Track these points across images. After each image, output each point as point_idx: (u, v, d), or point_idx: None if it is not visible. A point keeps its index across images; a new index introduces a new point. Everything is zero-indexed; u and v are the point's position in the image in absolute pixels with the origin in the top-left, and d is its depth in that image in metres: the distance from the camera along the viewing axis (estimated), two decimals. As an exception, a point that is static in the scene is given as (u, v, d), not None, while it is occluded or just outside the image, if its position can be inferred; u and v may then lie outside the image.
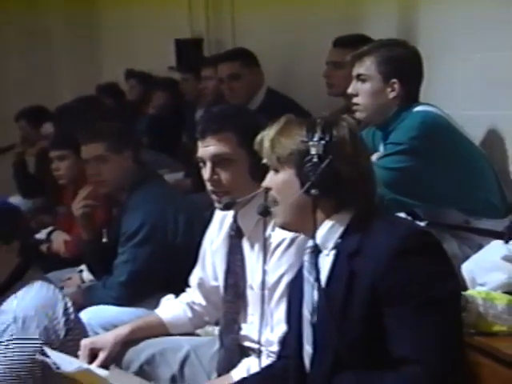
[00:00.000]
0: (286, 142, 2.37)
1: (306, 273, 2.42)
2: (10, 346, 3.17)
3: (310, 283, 2.40)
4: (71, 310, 3.35)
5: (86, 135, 4.27)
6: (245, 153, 2.87)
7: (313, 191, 2.32)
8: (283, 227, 2.48)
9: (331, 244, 2.36)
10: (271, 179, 2.43)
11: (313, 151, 2.32)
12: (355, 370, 2.23)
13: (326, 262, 2.36)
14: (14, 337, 3.17)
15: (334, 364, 2.27)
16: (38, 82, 8.91)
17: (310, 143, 2.33)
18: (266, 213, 2.49)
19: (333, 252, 2.35)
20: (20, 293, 3.26)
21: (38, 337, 3.17)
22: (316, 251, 2.38)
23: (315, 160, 2.31)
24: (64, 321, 3.27)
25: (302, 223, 2.41)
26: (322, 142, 2.32)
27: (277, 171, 2.41)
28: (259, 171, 2.60)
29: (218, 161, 2.93)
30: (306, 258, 2.42)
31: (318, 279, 2.36)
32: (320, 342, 2.35)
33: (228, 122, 2.95)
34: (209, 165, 2.95)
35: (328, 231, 2.36)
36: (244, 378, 2.71)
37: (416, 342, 2.15)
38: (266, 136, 2.43)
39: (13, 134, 7.37)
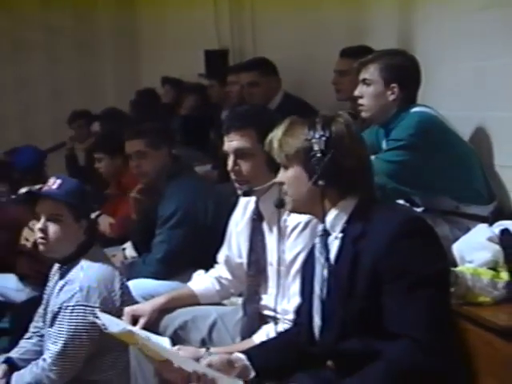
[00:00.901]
0: (292, 142, 2.38)
1: (317, 253, 2.42)
2: (75, 311, 3.21)
3: (320, 263, 2.40)
4: (125, 285, 3.39)
5: (128, 133, 4.30)
6: (263, 147, 2.88)
7: (320, 182, 2.33)
8: (295, 212, 2.50)
9: (339, 228, 2.36)
10: (282, 175, 2.45)
11: (316, 147, 2.32)
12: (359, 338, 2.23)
13: (334, 244, 2.36)
14: (79, 303, 3.21)
15: (340, 333, 2.28)
16: (87, 88, 8.93)
17: (313, 140, 2.33)
18: (280, 205, 2.51)
19: (340, 235, 2.35)
20: (85, 266, 3.29)
21: (98, 305, 3.21)
22: (325, 235, 2.39)
23: (319, 155, 2.32)
24: (120, 294, 3.30)
25: (312, 211, 2.42)
26: (323, 138, 2.32)
27: (286, 168, 2.42)
28: (275, 164, 2.61)
29: (239, 154, 2.95)
30: (317, 240, 2.42)
31: (327, 259, 2.36)
32: (328, 314, 2.35)
33: (249, 121, 2.97)
34: (231, 157, 2.97)
35: (335, 217, 2.37)
36: (263, 342, 2.73)
37: (406, 318, 2.15)
38: (275, 137, 2.44)
39: (65, 133, 7.43)
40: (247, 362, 2.47)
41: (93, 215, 4.81)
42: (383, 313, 2.19)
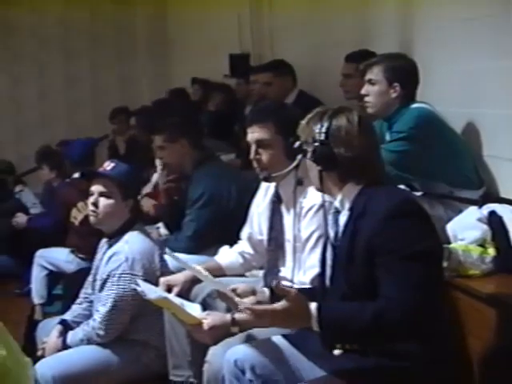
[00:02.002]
0: (308, 131, 2.38)
1: (329, 228, 2.43)
2: (122, 278, 3.24)
3: (331, 237, 2.41)
4: (163, 258, 3.41)
5: (151, 129, 4.35)
6: (281, 138, 2.88)
7: (318, 168, 2.34)
8: (317, 190, 2.48)
9: (346, 207, 2.36)
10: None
11: (316, 137, 2.33)
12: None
13: (342, 221, 2.37)
14: (125, 272, 3.24)
15: (343, 295, 2.29)
16: (125, 87, 8.96)
17: (316, 131, 2.34)
18: (300, 183, 2.53)
19: (347, 213, 2.35)
20: (130, 240, 3.33)
21: (141, 274, 3.23)
22: (336, 212, 2.39)
23: (317, 144, 2.33)
24: (159, 265, 3.33)
25: (326, 190, 2.42)
26: (323, 129, 2.32)
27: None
28: (292, 153, 2.62)
29: (260, 144, 2.96)
30: (330, 217, 2.43)
31: (336, 234, 2.37)
32: (334, 280, 2.37)
33: (269, 115, 2.97)
34: (253, 147, 2.98)
35: (342, 198, 2.36)
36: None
37: (394, 284, 2.14)
38: (301, 125, 2.44)
39: (107, 127, 7.47)
40: (268, 296, 2.53)
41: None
42: (376, 283, 2.19)
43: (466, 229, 2.89)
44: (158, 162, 4.90)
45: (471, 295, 2.61)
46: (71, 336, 3.34)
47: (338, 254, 2.34)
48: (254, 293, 2.53)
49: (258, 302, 2.50)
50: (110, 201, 3.33)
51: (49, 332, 3.49)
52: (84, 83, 9.02)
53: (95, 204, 3.34)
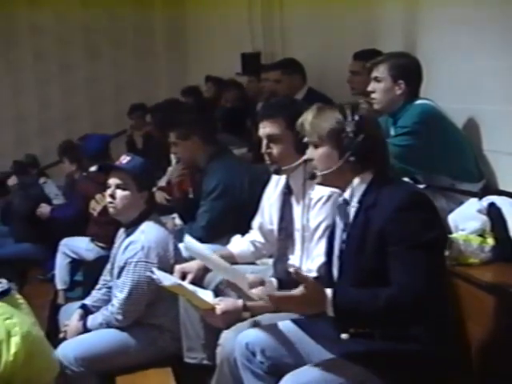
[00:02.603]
0: (324, 124, 2.33)
1: (337, 219, 2.41)
2: (138, 266, 3.26)
3: (340, 227, 2.39)
4: (178, 246, 3.41)
5: (164, 126, 4.36)
6: (291, 133, 2.85)
7: (351, 159, 2.29)
8: (322, 184, 2.44)
9: (356, 199, 2.33)
10: (312, 152, 2.39)
11: (348, 129, 2.29)
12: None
13: (351, 212, 2.35)
14: (141, 260, 3.25)
15: (352, 283, 2.27)
16: (143, 85, 8.98)
17: (346, 122, 2.30)
18: (312, 178, 2.44)
19: (356, 205, 2.33)
20: (145, 230, 3.34)
21: (156, 262, 3.24)
22: (345, 204, 2.37)
23: (351, 135, 2.29)
24: (173, 254, 3.34)
25: (337, 184, 2.39)
26: (354, 120, 2.29)
27: (317, 146, 2.37)
28: (301, 147, 2.60)
29: (270, 138, 2.94)
30: (339, 208, 2.41)
31: (345, 224, 2.35)
32: (343, 269, 2.34)
33: (279, 111, 2.95)
34: (264, 141, 2.96)
35: (354, 189, 2.33)
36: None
37: (405, 271, 2.13)
38: (305, 120, 2.39)
39: (126, 123, 7.48)
40: (276, 286, 2.51)
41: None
42: (387, 270, 2.18)
43: (466, 219, 2.88)
44: (172, 157, 4.91)
45: (471, 283, 2.60)
46: (91, 320, 3.36)
47: (348, 243, 2.32)
48: (262, 283, 2.50)
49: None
50: (126, 192, 3.34)
51: (70, 316, 3.52)
52: (105, 81, 9.10)
53: (112, 196, 3.35)
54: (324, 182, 2.42)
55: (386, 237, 2.18)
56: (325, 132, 2.33)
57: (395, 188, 2.29)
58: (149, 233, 3.31)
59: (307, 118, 2.39)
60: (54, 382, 2.88)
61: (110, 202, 3.36)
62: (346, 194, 2.36)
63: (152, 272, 2.93)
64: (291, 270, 2.20)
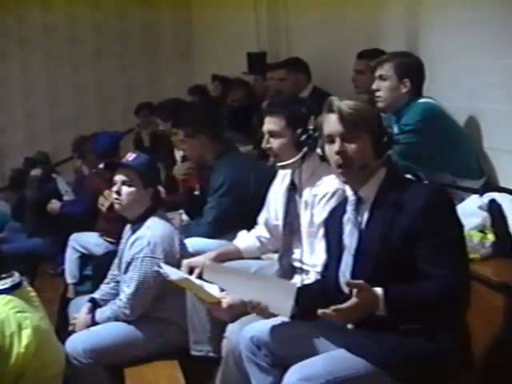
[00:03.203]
0: (361, 121, 2.26)
1: (350, 216, 2.36)
2: (144, 261, 3.25)
3: (353, 224, 2.33)
4: (183, 241, 3.41)
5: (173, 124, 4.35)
6: (291, 130, 2.87)
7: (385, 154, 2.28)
8: (347, 180, 2.34)
9: (371, 196, 2.30)
10: (347, 147, 2.26)
11: (385, 124, 2.28)
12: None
13: (365, 209, 2.31)
14: (147, 255, 3.24)
15: (373, 281, 2.18)
16: (151, 84, 8.97)
17: (382, 119, 2.28)
18: (351, 168, 2.28)
19: (372, 203, 2.30)
20: (151, 225, 3.33)
21: (162, 257, 3.24)
22: (359, 202, 2.33)
23: (390, 131, 2.28)
24: (179, 249, 3.33)
25: (359, 178, 2.32)
26: (382, 116, 2.28)
27: (354, 139, 2.26)
28: (299, 144, 2.60)
29: (271, 134, 2.96)
30: (351, 206, 2.36)
31: (360, 223, 2.32)
32: (360, 267, 2.29)
33: (280, 108, 2.97)
34: (265, 137, 2.98)
35: (370, 186, 2.31)
36: (303, 285, 2.64)
37: (445, 264, 2.13)
38: (343, 110, 2.26)
39: (134, 121, 7.48)
40: None
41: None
42: (417, 263, 2.17)
43: (467, 216, 2.86)
44: (177, 154, 4.90)
45: (472, 278, 2.56)
46: (99, 313, 3.36)
47: (366, 240, 2.28)
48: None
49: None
50: (132, 189, 3.33)
51: (80, 309, 3.52)
52: (114, 81, 9.10)
53: (118, 192, 3.35)
54: (352, 178, 2.32)
55: (417, 233, 2.17)
56: (363, 127, 2.25)
57: (418, 186, 2.30)
58: (155, 228, 3.30)
59: (342, 107, 2.27)
60: (62, 374, 2.88)
61: (116, 199, 3.36)
62: (362, 192, 2.33)
63: (159, 266, 2.92)
64: (345, 282, 2.17)
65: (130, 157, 3.39)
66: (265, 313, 2.37)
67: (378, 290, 2.12)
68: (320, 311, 2.12)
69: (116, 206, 3.40)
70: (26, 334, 2.64)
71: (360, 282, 2.11)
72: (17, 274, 2.80)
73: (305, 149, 2.56)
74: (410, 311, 2.16)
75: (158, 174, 3.55)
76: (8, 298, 2.71)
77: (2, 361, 2.62)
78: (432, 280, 2.13)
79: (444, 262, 2.14)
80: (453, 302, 2.13)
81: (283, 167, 2.97)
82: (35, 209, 5.70)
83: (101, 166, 4.98)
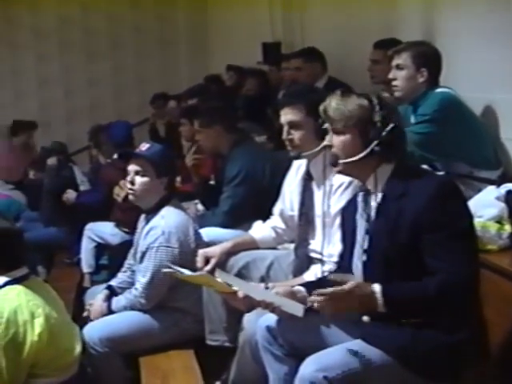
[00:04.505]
0: (350, 111, 2.26)
1: (360, 209, 2.36)
2: (159, 251, 3.25)
3: (363, 218, 2.33)
4: (198, 230, 3.41)
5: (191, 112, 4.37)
6: (312, 120, 2.84)
7: (376, 149, 2.24)
8: (342, 173, 2.39)
9: (379, 188, 2.28)
10: (335, 139, 2.31)
11: (376, 118, 2.23)
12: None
13: (374, 202, 2.30)
14: (162, 245, 3.25)
15: (383, 272, 2.22)
16: (166, 75, 8.97)
17: (374, 111, 2.24)
18: (334, 165, 2.35)
19: (380, 194, 2.28)
20: (165, 215, 3.33)
21: (176, 246, 3.24)
22: (368, 194, 2.32)
23: (379, 125, 2.23)
24: (193, 238, 3.33)
25: (356, 173, 2.34)
26: (382, 110, 2.23)
27: (340, 133, 2.29)
28: (322, 133, 2.58)
29: (291, 125, 2.92)
30: (360, 198, 2.36)
31: (369, 215, 2.31)
32: (369, 258, 2.29)
33: (300, 98, 2.93)
34: (285, 128, 2.94)
35: (377, 179, 2.29)
36: (318, 279, 2.66)
37: (449, 259, 2.12)
38: (329, 106, 2.31)
39: (149, 111, 7.49)
40: (306, 294, 2.40)
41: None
42: (424, 256, 2.15)
43: (484, 206, 2.85)
44: (184, 143, 4.90)
45: (489, 268, 2.58)
46: (115, 302, 3.37)
47: (375, 233, 2.27)
48: (293, 294, 2.39)
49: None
50: (145, 179, 3.32)
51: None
52: (129, 71, 9.12)
53: (132, 182, 3.34)
54: (344, 171, 2.36)
55: (422, 226, 2.15)
56: (351, 120, 2.26)
57: (425, 177, 2.26)
58: (169, 218, 3.30)
59: (331, 103, 2.31)
60: (78, 362, 2.90)
61: (130, 189, 3.36)
62: (369, 185, 2.32)
63: (169, 267, 2.87)
64: (329, 277, 2.15)
65: (144, 147, 3.38)
66: (277, 311, 2.35)
67: (376, 287, 2.12)
68: (309, 299, 2.12)
69: (130, 196, 3.40)
70: (39, 323, 2.67)
71: (346, 274, 2.14)
72: (25, 267, 2.82)
73: (328, 137, 2.53)
74: (409, 308, 2.14)
75: (171, 163, 3.54)
76: (19, 288, 2.74)
77: (17, 350, 2.65)
78: (434, 275, 2.12)
79: (448, 257, 2.12)
80: (455, 297, 2.11)
81: (306, 157, 2.94)
82: (51, 198, 5.72)
83: (115, 156, 4.99)
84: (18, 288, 2.74)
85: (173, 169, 3.55)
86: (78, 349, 2.92)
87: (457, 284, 2.10)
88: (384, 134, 2.23)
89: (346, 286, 2.10)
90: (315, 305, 2.16)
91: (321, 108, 2.36)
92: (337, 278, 2.13)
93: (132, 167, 3.36)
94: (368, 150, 2.25)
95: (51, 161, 5.97)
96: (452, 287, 2.09)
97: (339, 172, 2.38)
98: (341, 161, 2.31)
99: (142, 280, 3.28)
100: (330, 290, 2.11)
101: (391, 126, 2.24)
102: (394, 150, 2.27)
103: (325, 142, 2.43)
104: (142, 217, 3.49)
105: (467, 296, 2.15)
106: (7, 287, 2.74)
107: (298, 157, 2.96)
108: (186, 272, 2.75)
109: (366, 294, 2.11)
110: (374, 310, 2.14)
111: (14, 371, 2.66)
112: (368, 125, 2.24)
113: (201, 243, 3.36)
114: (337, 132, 2.31)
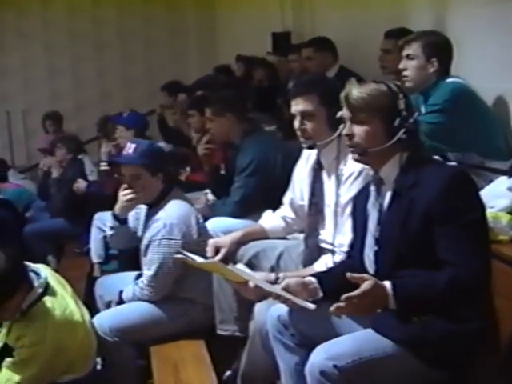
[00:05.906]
0: (374, 100, 2.21)
1: (372, 198, 2.34)
2: (161, 244, 3.26)
3: (376, 207, 2.31)
4: (201, 220, 3.41)
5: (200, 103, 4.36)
6: (324, 109, 2.82)
7: (403, 137, 2.21)
8: (360, 161, 2.34)
9: (392, 178, 2.26)
10: (357, 129, 2.26)
11: (401, 105, 2.20)
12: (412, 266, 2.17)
13: (387, 192, 2.28)
14: (164, 237, 3.25)
15: (395, 263, 2.20)
16: (175, 65, 8.97)
17: (399, 100, 2.21)
18: (363, 154, 2.27)
19: (393, 185, 2.26)
20: (166, 207, 3.34)
21: (179, 238, 3.24)
22: (380, 184, 2.30)
23: (405, 113, 2.21)
24: (197, 228, 3.33)
25: (375, 160, 2.29)
26: (404, 98, 2.21)
27: (363, 123, 2.24)
28: (335, 123, 2.57)
29: (304, 115, 2.89)
30: (372, 188, 2.34)
31: (381, 205, 2.29)
32: (382, 248, 2.27)
33: (312, 87, 2.90)
34: (298, 118, 2.91)
35: (390, 169, 2.26)
36: (329, 269, 2.66)
37: (460, 251, 2.10)
38: (350, 95, 2.25)
39: (158, 102, 7.47)
40: (317, 285, 2.40)
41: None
42: (436, 247, 2.13)
43: (496, 197, 2.84)
44: (193, 134, 4.89)
45: (500, 259, 2.57)
46: (126, 292, 3.38)
47: (386, 225, 2.25)
48: (304, 285, 2.39)
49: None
50: (141, 180, 3.33)
51: (105, 288, 3.55)
52: (138, 61, 9.15)
53: (130, 187, 3.35)
54: (366, 160, 2.31)
55: (434, 216, 2.13)
56: (375, 108, 2.21)
57: (437, 167, 2.24)
58: (170, 210, 3.31)
59: (352, 92, 2.25)
60: (94, 356, 2.96)
61: (130, 193, 3.35)
62: (382, 173, 2.29)
63: (181, 253, 2.87)
64: (347, 275, 2.09)
65: (130, 148, 3.36)
66: (289, 302, 2.35)
67: (386, 284, 2.11)
68: (332, 308, 2.09)
69: (133, 201, 3.38)
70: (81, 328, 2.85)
71: (363, 275, 2.09)
72: (35, 278, 2.87)
73: (341, 126, 2.50)
74: (420, 303, 2.13)
75: (162, 157, 3.49)
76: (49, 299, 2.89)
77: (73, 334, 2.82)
78: (445, 267, 2.10)
79: (460, 249, 2.10)
80: (467, 290, 2.10)
81: (318, 147, 2.91)
82: (59, 188, 5.73)
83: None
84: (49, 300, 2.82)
85: (165, 162, 3.51)
86: (94, 340, 2.97)
87: (468, 278, 2.08)
88: (411, 121, 2.21)
89: (363, 288, 2.07)
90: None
91: (342, 96, 2.30)
92: (353, 278, 2.09)
93: (124, 171, 3.37)
94: (395, 138, 2.21)
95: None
96: (464, 282, 2.08)
97: (357, 160, 2.33)
98: (370, 150, 2.25)
99: (147, 273, 3.30)
100: (355, 294, 2.06)
101: (417, 113, 2.22)
102: (416, 138, 2.26)
103: (344, 131, 2.35)
104: (145, 210, 3.48)
105: (479, 288, 2.14)
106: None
107: (311, 147, 2.93)
108: (198, 259, 2.76)
109: (379, 293, 2.10)
110: (386, 308, 2.13)
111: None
112: (392, 112, 2.21)
113: (204, 233, 3.37)
114: (359, 121, 2.26)
